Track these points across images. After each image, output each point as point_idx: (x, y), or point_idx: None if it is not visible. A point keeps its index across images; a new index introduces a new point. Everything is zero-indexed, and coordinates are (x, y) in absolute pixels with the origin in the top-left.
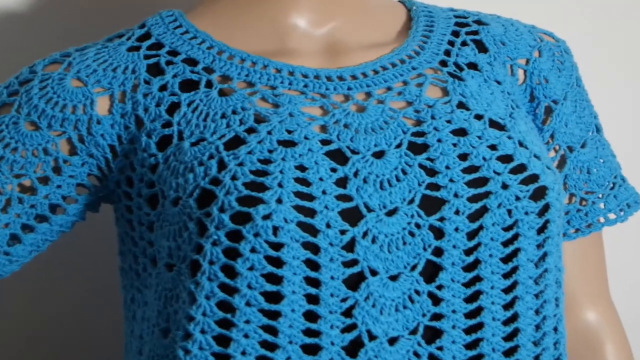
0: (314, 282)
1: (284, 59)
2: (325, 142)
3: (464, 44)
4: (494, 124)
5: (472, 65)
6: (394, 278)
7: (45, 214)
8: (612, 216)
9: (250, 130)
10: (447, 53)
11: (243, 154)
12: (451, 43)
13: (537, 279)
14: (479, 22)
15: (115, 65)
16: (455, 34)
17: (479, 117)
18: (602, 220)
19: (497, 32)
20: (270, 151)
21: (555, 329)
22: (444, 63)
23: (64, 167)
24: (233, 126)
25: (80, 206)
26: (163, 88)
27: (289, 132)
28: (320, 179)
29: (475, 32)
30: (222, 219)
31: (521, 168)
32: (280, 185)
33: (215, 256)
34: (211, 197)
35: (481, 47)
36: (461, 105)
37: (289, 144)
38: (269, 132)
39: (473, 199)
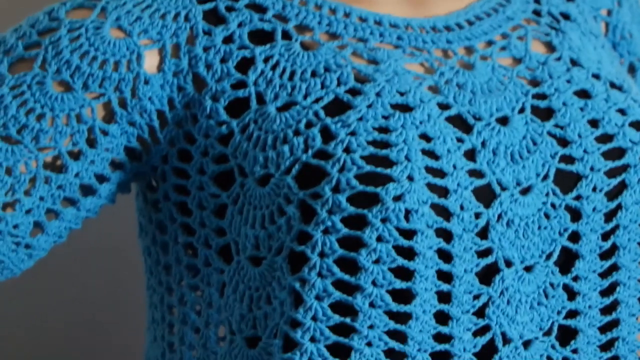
0: (447, 277)
1: (364, 5)
2: (442, 106)
3: None
4: (611, 84)
5: (565, 16)
6: (529, 269)
7: (73, 197)
8: None
9: (354, 92)
10: (537, 1)
11: (353, 121)
12: None
13: None
14: None
15: (163, 11)
16: None
17: (596, 76)
18: None
19: None
20: (385, 117)
21: None
22: (537, 13)
23: (100, 138)
24: (330, 87)
25: (113, 186)
26: (228, 40)
27: (401, 94)
28: (448, 151)
29: None
30: (338, 201)
31: None
32: (407, 158)
33: (328, 247)
34: (318, 174)
35: None
36: (574, 63)
37: (404, 108)
38: (378, 94)
39: (611, 174)
